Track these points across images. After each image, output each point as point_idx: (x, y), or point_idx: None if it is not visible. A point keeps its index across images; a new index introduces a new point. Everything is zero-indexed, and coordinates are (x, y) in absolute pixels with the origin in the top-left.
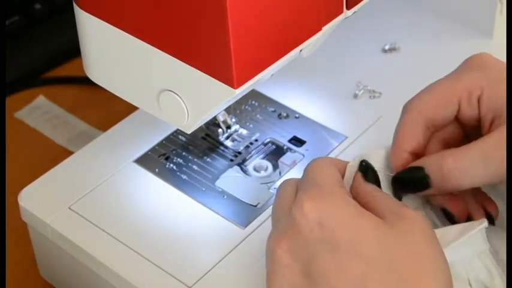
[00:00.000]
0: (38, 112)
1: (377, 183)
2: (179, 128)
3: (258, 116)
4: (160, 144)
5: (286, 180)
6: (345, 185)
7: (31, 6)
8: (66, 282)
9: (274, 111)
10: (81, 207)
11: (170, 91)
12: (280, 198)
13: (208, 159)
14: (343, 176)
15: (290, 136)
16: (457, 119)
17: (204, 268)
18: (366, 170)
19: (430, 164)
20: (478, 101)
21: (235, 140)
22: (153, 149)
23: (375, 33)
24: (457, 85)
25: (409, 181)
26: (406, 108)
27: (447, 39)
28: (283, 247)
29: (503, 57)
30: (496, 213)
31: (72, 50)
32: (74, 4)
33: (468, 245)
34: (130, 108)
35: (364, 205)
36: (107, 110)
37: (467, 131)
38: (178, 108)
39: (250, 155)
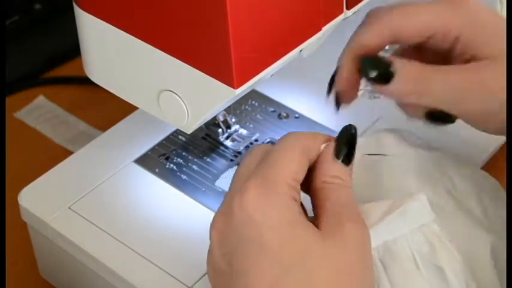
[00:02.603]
0: (38, 112)
1: (347, 162)
2: (179, 128)
3: (258, 116)
4: (160, 144)
5: (258, 146)
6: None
7: (31, 6)
8: (66, 282)
9: (274, 111)
10: (81, 207)
11: (170, 91)
12: (241, 165)
13: (208, 159)
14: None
15: None
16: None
17: (204, 268)
18: (341, 146)
19: (398, 61)
20: (453, 41)
21: (235, 140)
22: (153, 149)
23: None
24: (439, 18)
25: (371, 70)
26: (376, 16)
27: None
28: (217, 227)
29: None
30: None
31: (72, 50)
32: (74, 4)
33: (403, 218)
34: (130, 108)
35: (317, 191)
36: (107, 110)
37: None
38: (178, 108)
39: None
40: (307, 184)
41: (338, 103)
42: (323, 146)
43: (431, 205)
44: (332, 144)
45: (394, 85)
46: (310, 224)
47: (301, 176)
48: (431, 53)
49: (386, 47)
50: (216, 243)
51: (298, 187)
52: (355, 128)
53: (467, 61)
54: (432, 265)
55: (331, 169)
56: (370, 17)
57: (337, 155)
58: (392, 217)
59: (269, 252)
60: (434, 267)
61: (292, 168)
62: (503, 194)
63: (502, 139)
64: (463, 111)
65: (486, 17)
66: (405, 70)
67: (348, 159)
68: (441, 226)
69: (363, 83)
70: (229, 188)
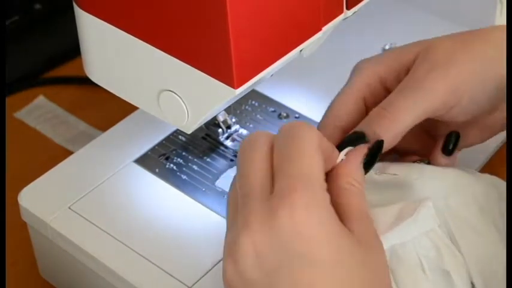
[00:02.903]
0: (38, 112)
1: (365, 171)
2: (179, 128)
3: (258, 116)
4: (160, 144)
5: (254, 137)
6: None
7: (31, 6)
8: (66, 282)
9: (274, 111)
10: (81, 207)
11: (170, 91)
12: (249, 166)
13: (208, 159)
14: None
15: None
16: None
17: (204, 268)
18: (369, 156)
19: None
20: (381, 85)
21: (235, 140)
22: (153, 149)
23: (375, 33)
24: (352, 89)
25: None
26: (359, 67)
27: None
28: (257, 240)
29: (503, 58)
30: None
31: (72, 50)
32: (74, 4)
33: (414, 224)
34: (130, 108)
35: (340, 190)
36: (107, 110)
37: None
38: (178, 108)
39: None
40: None
41: None
42: (345, 151)
43: (455, 212)
44: (363, 150)
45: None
46: (348, 230)
47: (324, 173)
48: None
49: (386, 46)
50: (251, 256)
51: (326, 185)
52: (382, 141)
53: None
54: (439, 269)
55: (356, 173)
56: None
57: (364, 162)
58: (403, 225)
59: (322, 267)
60: (440, 272)
61: (320, 170)
62: None
63: (501, 139)
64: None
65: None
66: (378, 132)
67: (367, 167)
68: (458, 233)
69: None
70: (240, 187)
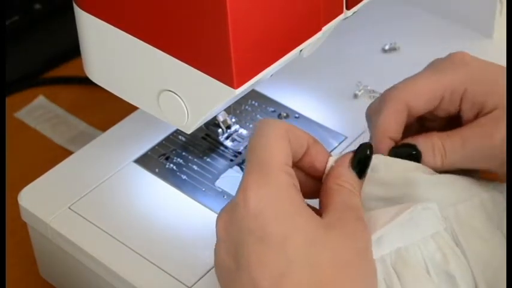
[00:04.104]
0: (38, 112)
1: (359, 176)
2: (179, 128)
3: (258, 116)
4: (160, 144)
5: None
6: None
7: (31, 6)
8: (66, 282)
9: (274, 111)
10: (81, 207)
11: (170, 91)
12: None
13: (208, 159)
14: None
15: None
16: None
17: (204, 268)
18: (359, 161)
19: (422, 142)
20: (461, 98)
21: (235, 140)
22: (153, 149)
23: (375, 33)
24: (442, 81)
25: (404, 157)
26: (390, 96)
27: (447, 40)
28: (222, 222)
29: (503, 58)
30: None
31: (72, 50)
32: (74, 4)
33: (417, 226)
34: (131, 108)
35: (328, 190)
36: (107, 110)
37: (429, 122)
38: (178, 108)
39: None
40: (314, 189)
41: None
42: (333, 158)
43: (463, 219)
44: (350, 154)
45: (423, 162)
46: (312, 213)
47: (290, 160)
48: (440, 118)
49: (386, 46)
50: (221, 240)
51: (292, 170)
52: (371, 150)
53: (476, 116)
54: (444, 273)
55: (345, 174)
56: (385, 101)
57: (352, 165)
58: (402, 219)
59: (272, 245)
60: (445, 275)
61: (283, 155)
62: None
63: None
64: (483, 167)
65: (485, 68)
66: (427, 149)
67: (360, 174)
68: (465, 240)
69: None
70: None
